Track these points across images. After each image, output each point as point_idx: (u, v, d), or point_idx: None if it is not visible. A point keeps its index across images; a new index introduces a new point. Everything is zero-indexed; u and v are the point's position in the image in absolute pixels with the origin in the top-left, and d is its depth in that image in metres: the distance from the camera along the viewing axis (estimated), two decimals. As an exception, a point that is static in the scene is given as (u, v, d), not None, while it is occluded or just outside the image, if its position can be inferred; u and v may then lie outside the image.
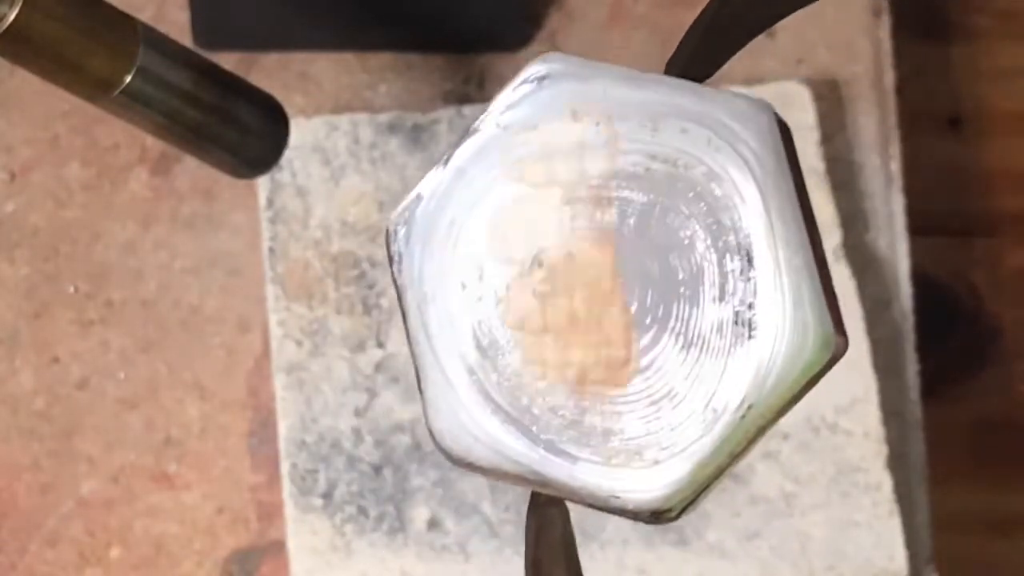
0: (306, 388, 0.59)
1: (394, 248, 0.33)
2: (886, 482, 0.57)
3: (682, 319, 0.31)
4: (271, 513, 0.60)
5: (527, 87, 0.33)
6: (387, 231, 0.33)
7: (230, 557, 0.60)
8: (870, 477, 0.57)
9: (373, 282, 0.60)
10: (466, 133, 0.33)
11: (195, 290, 0.62)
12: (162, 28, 0.52)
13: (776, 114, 0.31)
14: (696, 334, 0.31)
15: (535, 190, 0.32)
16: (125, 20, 0.50)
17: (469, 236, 0.33)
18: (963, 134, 0.89)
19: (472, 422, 0.32)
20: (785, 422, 0.58)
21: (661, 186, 0.31)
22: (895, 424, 0.59)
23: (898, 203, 0.61)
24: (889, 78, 0.62)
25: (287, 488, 0.59)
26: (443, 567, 0.58)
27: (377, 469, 0.59)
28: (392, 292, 0.59)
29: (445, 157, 0.33)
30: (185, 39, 0.60)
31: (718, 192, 0.31)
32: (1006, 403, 0.88)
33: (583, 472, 0.31)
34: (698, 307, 0.31)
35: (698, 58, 0.33)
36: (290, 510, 0.59)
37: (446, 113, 0.60)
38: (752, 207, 0.31)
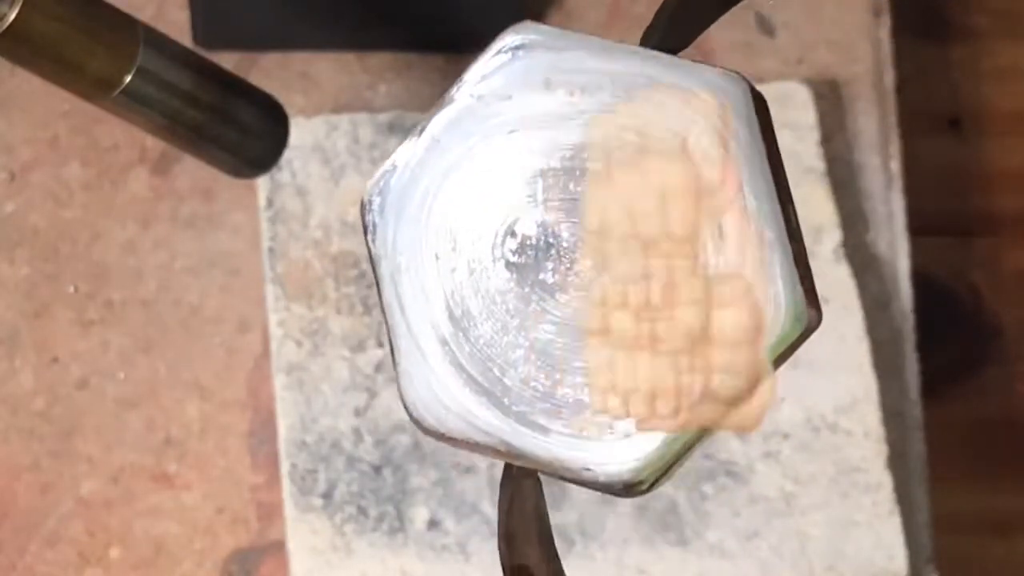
0: (306, 388, 0.59)
1: (368, 218, 0.33)
2: (886, 482, 0.57)
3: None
4: (271, 513, 0.60)
5: (502, 57, 0.32)
6: (361, 201, 0.33)
7: (230, 557, 0.60)
8: (870, 477, 0.57)
9: (373, 282, 0.60)
10: (441, 103, 0.32)
11: (195, 290, 0.62)
12: (162, 28, 0.52)
13: (752, 86, 0.31)
14: None
15: (509, 160, 0.32)
16: (125, 20, 0.50)
17: (443, 207, 0.32)
18: (963, 134, 0.89)
19: (445, 393, 0.32)
20: (785, 422, 0.58)
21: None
22: (895, 424, 0.59)
23: (898, 203, 0.61)
24: (889, 78, 0.62)
25: (287, 488, 0.59)
26: (443, 567, 0.58)
27: (377, 469, 0.59)
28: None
29: (420, 127, 0.33)
30: (185, 39, 0.60)
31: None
32: (1006, 403, 0.88)
33: (555, 444, 0.31)
34: None
35: (673, 30, 0.33)
36: (290, 510, 0.59)
37: (446, 113, 0.60)
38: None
